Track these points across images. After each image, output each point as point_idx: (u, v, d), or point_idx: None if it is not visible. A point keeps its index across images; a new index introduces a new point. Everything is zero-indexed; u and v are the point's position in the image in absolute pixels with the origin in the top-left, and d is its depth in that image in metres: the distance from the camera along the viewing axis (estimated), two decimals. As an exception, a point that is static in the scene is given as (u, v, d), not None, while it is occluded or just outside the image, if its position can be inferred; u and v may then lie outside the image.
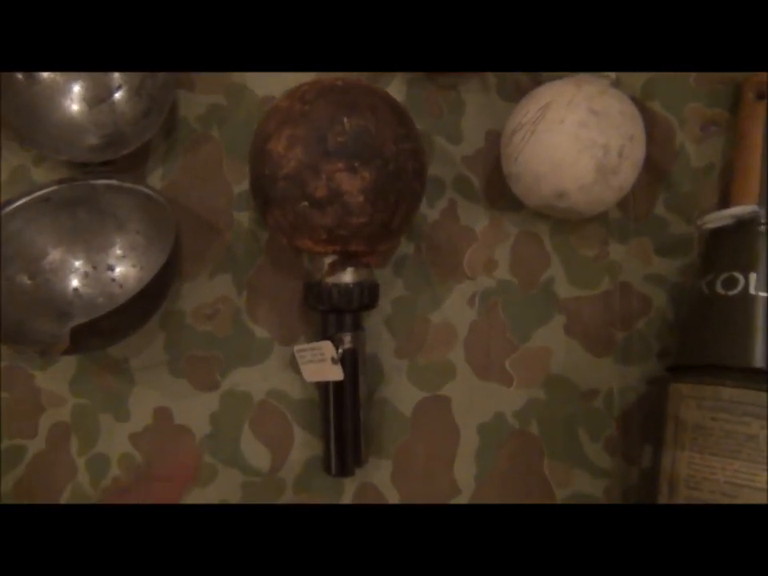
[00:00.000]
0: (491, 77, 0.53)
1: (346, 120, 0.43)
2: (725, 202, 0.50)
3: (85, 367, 0.54)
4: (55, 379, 0.54)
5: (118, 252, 0.54)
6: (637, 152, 0.45)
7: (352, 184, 0.43)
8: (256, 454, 0.52)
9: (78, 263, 0.54)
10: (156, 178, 0.55)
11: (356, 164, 0.43)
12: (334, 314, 0.48)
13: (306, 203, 0.44)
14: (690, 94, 0.51)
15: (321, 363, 0.49)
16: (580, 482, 0.50)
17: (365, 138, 0.43)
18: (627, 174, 0.46)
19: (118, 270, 0.54)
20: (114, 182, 0.53)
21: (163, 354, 0.54)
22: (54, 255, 0.54)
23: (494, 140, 0.52)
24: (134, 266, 0.54)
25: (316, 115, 0.44)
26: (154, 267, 0.53)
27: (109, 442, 0.53)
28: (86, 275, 0.54)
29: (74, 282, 0.54)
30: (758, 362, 0.42)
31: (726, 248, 0.45)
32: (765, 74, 0.48)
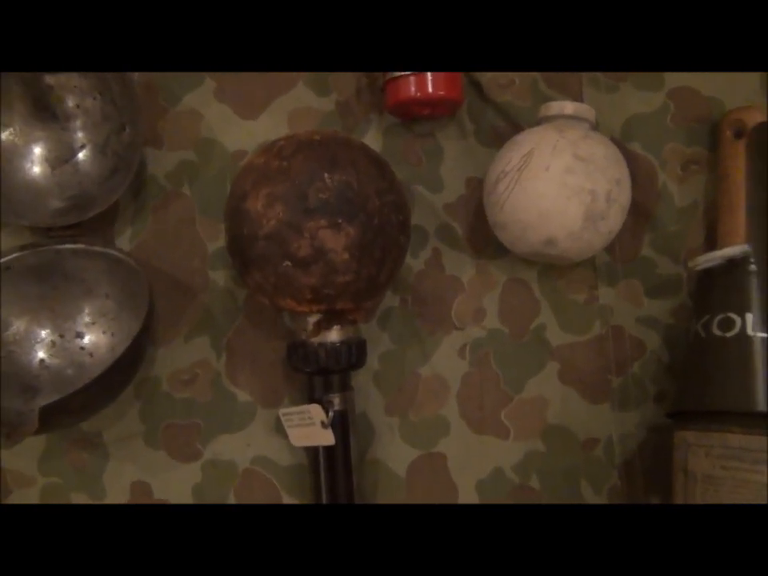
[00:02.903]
0: (468, 123, 0.52)
1: (327, 176, 0.42)
2: (711, 240, 0.49)
3: (54, 444, 0.50)
4: (22, 458, 0.50)
5: (87, 319, 0.51)
6: (624, 195, 0.45)
7: (336, 241, 0.42)
8: (243, 527, 0.49)
9: (44, 333, 0.51)
10: (125, 240, 0.52)
11: (339, 220, 0.41)
12: (321, 375, 0.46)
13: (288, 263, 0.42)
14: (668, 134, 0.51)
15: (309, 427, 0.46)
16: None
17: (347, 194, 0.42)
18: (615, 218, 0.45)
19: (88, 338, 0.51)
20: (80, 246, 0.50)
21: (139, 424, 0.51)
22: (18, 326, 0.50)
23: (475, 186, 0.51)
24: (104, 332, 0.51)
25: (295, 172, 0.42)
26: (126, 333, 0.51)
27: (83, 524, 0.50)
28: (53, 345, 0.51)
29: (41, 354, 0.51)
30: (761, 405, 0.41)
31: (719, 289, 0.45)
32: (740, 111, 0.48)
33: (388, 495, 0.49)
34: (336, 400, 0.46)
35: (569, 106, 0.46)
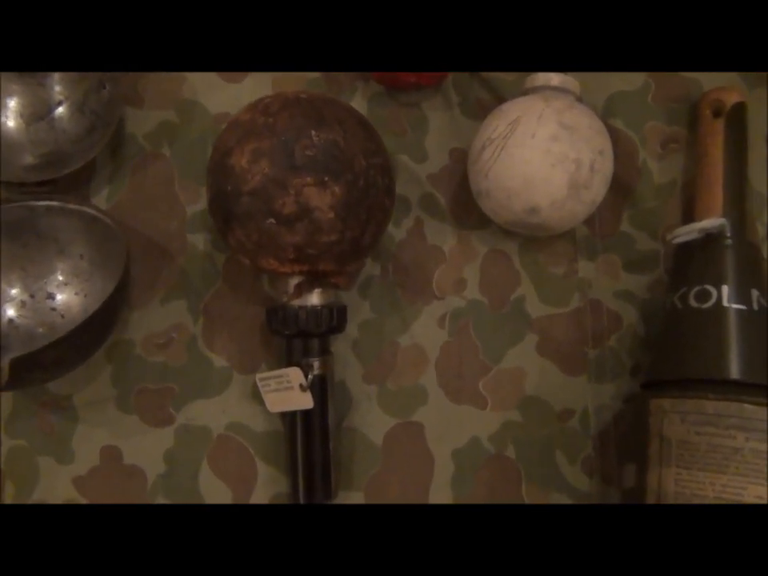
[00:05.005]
0: (453, 95, 0.52)
1: (314, 133, 0.41)
2: (688, 217, 0.50)
3: (22, 405, 0.49)
4: (-13, 420, 0.49)
5: (60, 278, 0.50)
6: (606, 166, 0.45)
7: (322, 200, 0.41)
8: (216, 492, 0.49)
9: (13, 292, 0.49)
10: (101, 199, 0.51)
11: (326, 178, 0.41)
12: (301, 338, 0.46)
13: (272, 220, 0.41)
14: (648, 112, 0.52)
15: (287, 392, 0.46)
16: (558, 506, 0.49)
17: (334, 152, 0.41)
18: (598, 189, 0.45)
19: (60, 299, 0.50)
20: (55, 203, 0.49)
21: (110, 388, 0.49)
22: (-13, 284, 0.49)
23: (459, 158, 0.51)
24: (77, 293, 0.50)
25: (282, 128, 0.41)
26: (99, 294, 0.49)
27: (50, 488, 0.48)
28: (22, 305, 0.49)
29: (10, 313, 0.49)
30: (735, 373, 0.41)
31: (696, 262, 0.46)
32: (719, 91, 0.49)
33: (364, 463, 0.49)
34: (315, 364, 0.46)
35: (555, 78, 0.47)
